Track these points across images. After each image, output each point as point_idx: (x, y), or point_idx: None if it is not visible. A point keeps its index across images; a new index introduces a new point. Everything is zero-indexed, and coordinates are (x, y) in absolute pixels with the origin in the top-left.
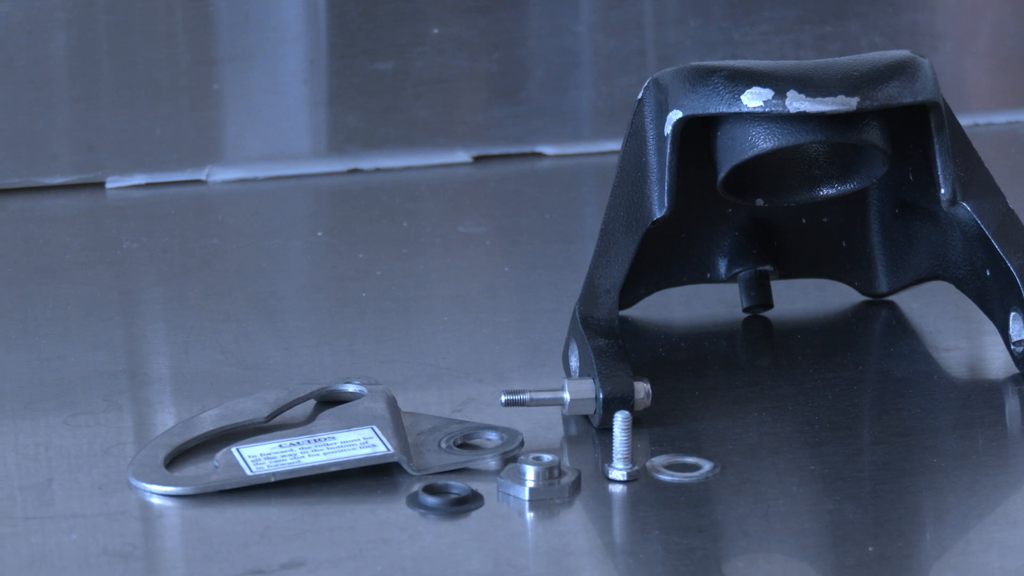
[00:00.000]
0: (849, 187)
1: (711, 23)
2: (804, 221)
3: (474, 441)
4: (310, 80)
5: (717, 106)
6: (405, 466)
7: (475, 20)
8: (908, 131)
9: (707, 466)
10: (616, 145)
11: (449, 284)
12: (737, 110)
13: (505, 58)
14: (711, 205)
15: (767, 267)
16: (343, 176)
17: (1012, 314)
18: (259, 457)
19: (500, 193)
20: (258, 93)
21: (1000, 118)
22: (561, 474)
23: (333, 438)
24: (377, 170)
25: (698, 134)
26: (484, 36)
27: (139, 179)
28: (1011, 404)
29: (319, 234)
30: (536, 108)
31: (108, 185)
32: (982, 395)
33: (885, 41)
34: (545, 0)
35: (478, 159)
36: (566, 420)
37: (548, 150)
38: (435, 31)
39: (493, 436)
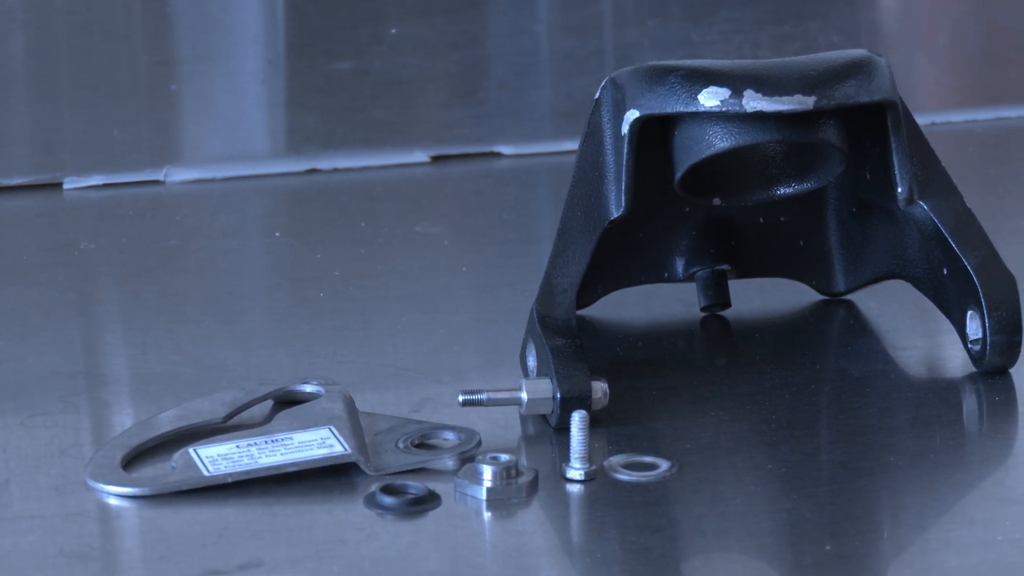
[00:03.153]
0: (806, 186)
1: (670, 23)
2: (761, 220)
3: (431, 441)
4: (268, 80)
5: (674, 106)
6: (362, 466)
7: (434, 20)
8: (865, 130)
9: (664, 465)
10: (575, 145)
11: (407, 284)
12: (694, 109)
13: (463, 58)
14: (668, 205)
15: (725, 266)
16: (301, 176)
17: (969, 312)
18: (216, 458)
19: (458, 193)
20: (216, 94)
21: (957, 117)
22: (518, 474)
23: (290, 438)
24: (335, 170)
25: (655, 134)
26: (442, 36)
27: (97, 180)
28: (968, 403)
29: (277, 234)
30: (494, 108)
31: (66, 186)
32: (939, 394)
33: (844, 41)
34: (504, 0)
35: (436, 159)
36: (524, 420)
37: (506, 150)
38: (393, 31)
39: (450, 436)
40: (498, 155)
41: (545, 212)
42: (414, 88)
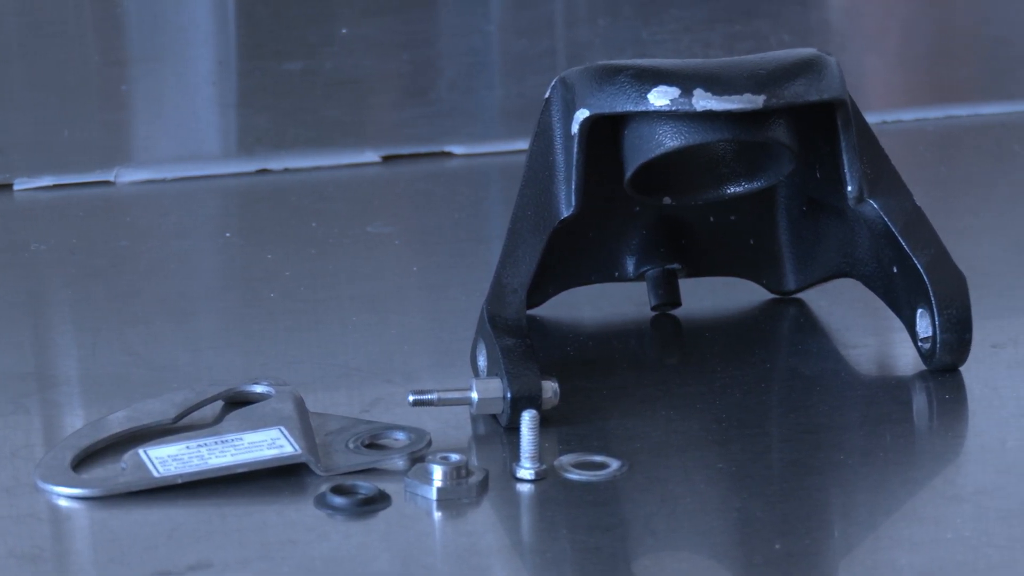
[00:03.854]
0: (756, 185)
1: (621, 22)
2: (712, 219)
3: (382, 441)
4: (219, 81)
5: (624, 105)
6: (313, 467)
7: (385, 20)
8: (815, 129)
9: (615, 465)
10: (526, 144)
11: (358, 284)
12: (644, 109)
13: (415, 58)
14: (619, 204)
15: (675, 265)
16: (252, 177)
17: (919, 311)
18: (166, 459)
19: (409, 193)
20: (167, 94)
21: (908, 115)
22: (469, 473)
23: (240, 439)
24: (286, 170)
25: (606, 133)
26: (393, 36)
27: (47, 180)
28: (918, 401)
29: (228, 235)
30: (446, 108)
31: (16, 187)
32: (889, 392)
33: (794, 39)
34: (455, 0)
35: (387, 159)
36: (474, 420)
37: (458, 150)
38: (344, 31)
39: (401, 436)
40: (449, 155)
41: (496, 212)
42: (365, 88)
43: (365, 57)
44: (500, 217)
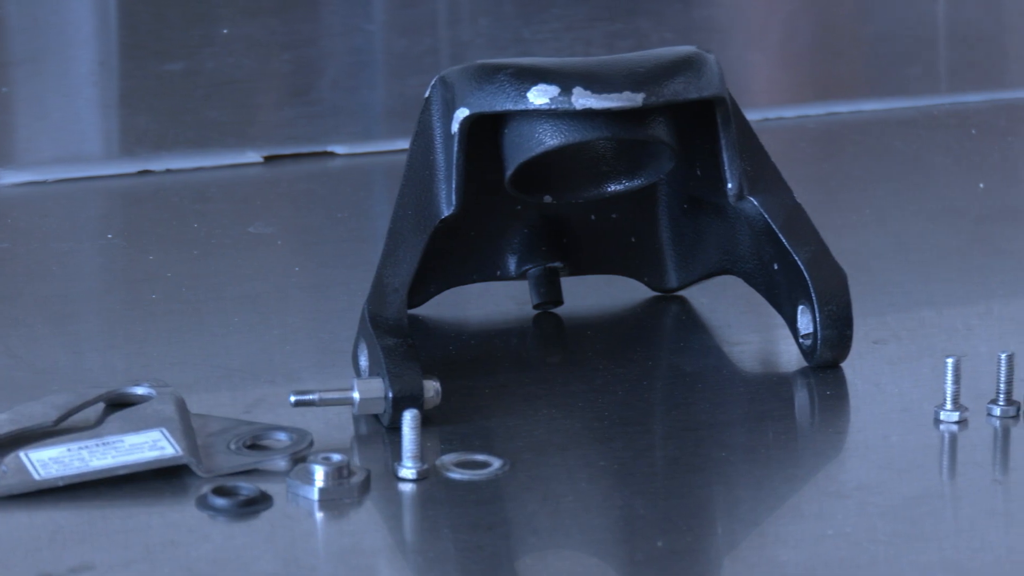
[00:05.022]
0: (637, 183)
1: (502, 21)
2: (593, 218)
3: (264, 442)
4: (100, 82)
5: (503, 104)
6: (194, 468)
7: (265, 20)
8: (695, 127)
9: (497, 463)
10: (409, 144)
11: (240, 285)
12: (524, 107)
13: (296, 58)
14: (500, 203)
15: (557, 264)
16: (134, 178)
17: (800, 307)
18: (47, 461)
19: (291, 193)
20: (48, 96)
21: (790, 112)
22: (350, 474)
23: (122, 441)
24: (168, 171)
25: (486, 132)
26: (275, 36)
27: None
28: (800, 397)
29: (109, 236)
30: (328, 107)
31: None
32: (771, 389)
33: (676, 38)
34: None
35: (269, 159)
36: (356, 420)
37: (340, 149)
38: (225, 32)
39: (283, 437)
40: (331, 155)
41: (379, 211)
42: (246, 88)
43: (246, 57)
44: (382, 217)
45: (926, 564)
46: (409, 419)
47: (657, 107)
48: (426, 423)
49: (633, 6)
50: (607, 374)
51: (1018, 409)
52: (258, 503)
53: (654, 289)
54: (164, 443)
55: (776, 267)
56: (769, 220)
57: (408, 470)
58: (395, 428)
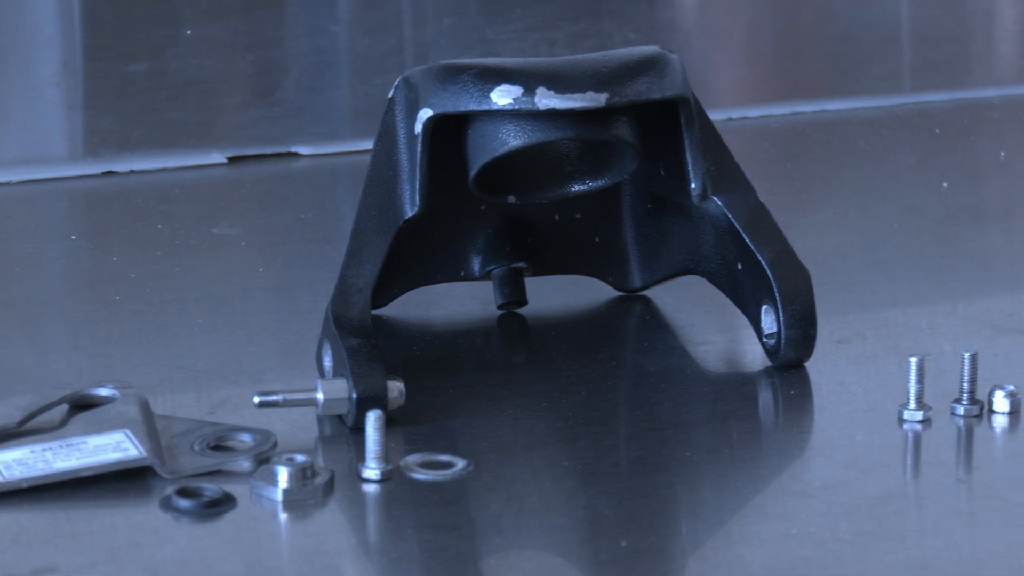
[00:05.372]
0: (600, 183)
1: (466, 21)
2: (557, 218)
3: (227, 443)
4: (64, 83)
5: (467, 104)
6: (158, 469)
7: (229, 21)
8: (659, 127)
9: (461, 464)
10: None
11: (204, 286)
12: (487, 108)
13: (260, 59)
14: (464, 203)
15: (521, 264)
16: (98, 179)
17: (764, 307)
18: (11, 463)
19: (255, 194)
20: (11, 96)
21: (754, 112)
22: (314, 475)
23: (85, 442)
24: (132, 172)
25: (450, 132)
26: (239, 37)
27: None
28: (764, 397)
29: (73, 237)
30: (292, 108)
31: None
32: (735, 388)
33: (640, 38)
34: (300, 0)
35: (233, 160)
36: (321, 420)
37: (304, 150)
38: (188, 32)
39: (246, 438)
40: (296, 155)
41: (344, 212)
42: (210, 89)
43: (210, 58)
44: (347, 217)
45: (891, 563)
46: (373, 420)
47: (620, 107)
48: (390, 424)
49: (597, 6)
50: (571, 374)
51: (981, 408)
52: (222, 504)
53: (618, 289)
54: (128, 444)
55: (740, 267)
56: (733, 220)
57: (372, 471)
58: (359, 429)
